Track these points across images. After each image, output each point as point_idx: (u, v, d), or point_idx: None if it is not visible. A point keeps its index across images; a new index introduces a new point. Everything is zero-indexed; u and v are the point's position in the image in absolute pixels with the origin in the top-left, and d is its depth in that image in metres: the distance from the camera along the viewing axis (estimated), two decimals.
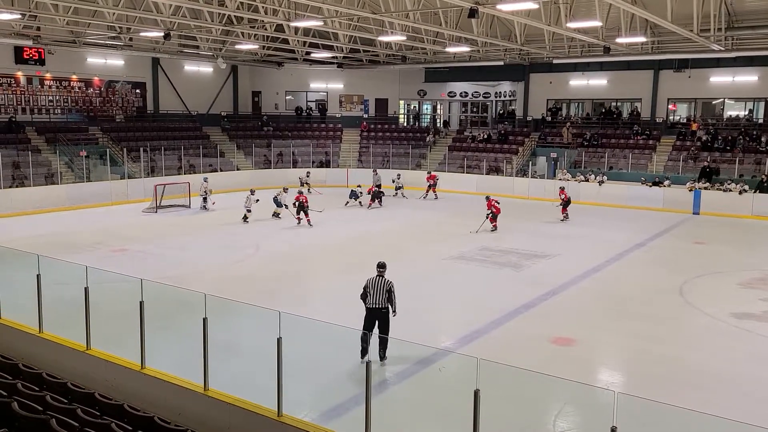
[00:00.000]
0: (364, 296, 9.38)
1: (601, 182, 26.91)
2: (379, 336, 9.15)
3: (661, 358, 10.02)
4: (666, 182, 25.86)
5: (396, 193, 27.64)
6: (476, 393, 5.80)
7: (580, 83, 32.38)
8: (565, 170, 28.65)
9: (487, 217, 19.87)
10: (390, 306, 9.38)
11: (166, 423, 6.53)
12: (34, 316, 9.30)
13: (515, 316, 11.87)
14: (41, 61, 27.53)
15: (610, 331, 11.32)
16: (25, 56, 26.97)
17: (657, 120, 30.57)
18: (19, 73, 27.57)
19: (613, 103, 32.44)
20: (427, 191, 27.67)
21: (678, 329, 11.52)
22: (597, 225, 21.65)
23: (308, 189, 25.94)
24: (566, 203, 22.32)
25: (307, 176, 28.79)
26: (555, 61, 28.80)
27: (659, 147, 29.05)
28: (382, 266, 9.58)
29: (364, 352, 8.82)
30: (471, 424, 5.89)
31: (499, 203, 20.33)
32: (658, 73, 30.14)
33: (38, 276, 9.28)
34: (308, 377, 8.67)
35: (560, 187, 23.07)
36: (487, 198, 20.50)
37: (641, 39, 23.51)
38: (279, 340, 6.80)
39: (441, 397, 8.55)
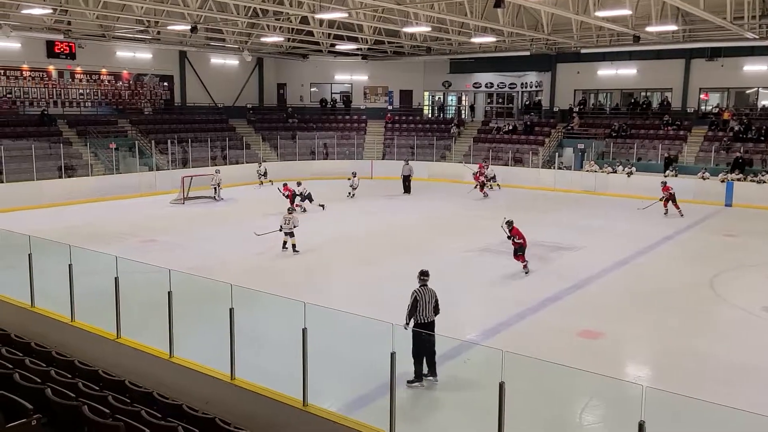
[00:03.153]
0: (413, 311, 8.36)
1: (629, 173, 26.51)
2: (428, 354, 8.28)
3: (690, 352, 9.87)
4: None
5: (491, 187, 26.86)
6: (501, 385, 5.79)
7: (609, 73, 31.85)
8: (592, 161, 28.28)
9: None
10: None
11: (194, 411, 6.63)
12: (66, 305, 9.51)
13: (541, 308, 11.78)
14: (72, 55, 27.97)
15: (639, 325, 11.18)
16: (57, 50, 27.41)
17: (688, 110, 29.98)
18: (51, 67, 28.06)
19: (643, 93, 31.88)
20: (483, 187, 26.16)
21: (708, 323, 11.33)
22: (625, 217, 21.34)
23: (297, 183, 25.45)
24: (670, 198, 21.14)
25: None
26: (583, 51, 28.38)
27: (690, 137, 28.49)
28: (425, 274, 8.62)
29: (420, 376, 8.19)
30: (496, 416, 5.88)
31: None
32: (690, 62, 29.50)
33: (70, 266, 9.49)
34: (333, 368, 8.71)
35: (662, 182, 21.83)
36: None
37: (672, 27, 23.05)
38: (304, 331, 6.87)
39: (466, 389, 8.54)
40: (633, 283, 13.69)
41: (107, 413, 5.57)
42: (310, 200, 21.84)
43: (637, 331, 10.95)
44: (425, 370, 8.28)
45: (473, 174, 26.58)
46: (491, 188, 26.75)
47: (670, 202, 21.26)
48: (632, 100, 31.86)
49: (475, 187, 25.21)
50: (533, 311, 11.61)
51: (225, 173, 25.41)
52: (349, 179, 24.89)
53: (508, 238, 14.11)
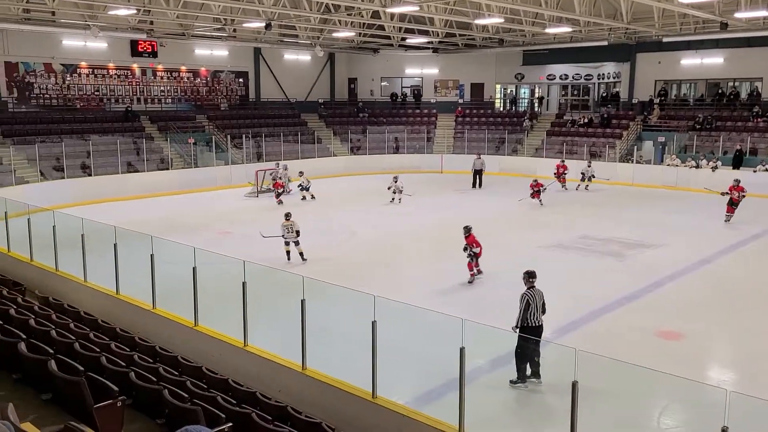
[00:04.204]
0: (525, 315, 8.11)
1: (714, 168, 25.22)
2: (534, 357, 8.13)
3: None
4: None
5: (582, 185, 25.34)
6: (574, 385, 5.64)
7: (693, 62, 30.33)
8: (674, 155, 27.09)
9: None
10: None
11: (267, 399, 6.81)
12: (148, 293, 9.94)
13: (617, 307, 11.41)
14: (154, 54, 29.19)
15: (722, 327, 10.65)
16: (140, 49, 28.68)
17: None
18: (135, 66, 29.38)
19: (730, 83, 30.23)
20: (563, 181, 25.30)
21: None
22: (709, 214, 20.31)
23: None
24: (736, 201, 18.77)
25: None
26: (665, 40, 27.15)
27: None
28: (532, 275, 8.37)
29: (523, 377, 8.07)
30: (568, 416, 5.74)
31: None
32: None
33: (152, 256, 9.91)
34: (401, 361, 8.74)
35: (736, 181, 19.09)
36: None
37: (763, 13, 21.70)
38: (374, 324, 6.90)
39: (537, 387, 8.37)
40: (716, 283, 13.05)
41: (186, 398, 5.80)
42: (307, 190, 22.74)
43: (720, 333, 10.44)
44: (528, 371, 8.15)
45: (554, 174, 25.23)
46: (586, 188, 25.19)
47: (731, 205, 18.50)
48: (718, 91, 30.24)
49: (534, 195, 21.69)
50: (608, 309, 11.26)
51: (297, 167, 25.84)
52: (389, 187, 22.18)
53: (464, 249, 12.89)
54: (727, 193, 18.97)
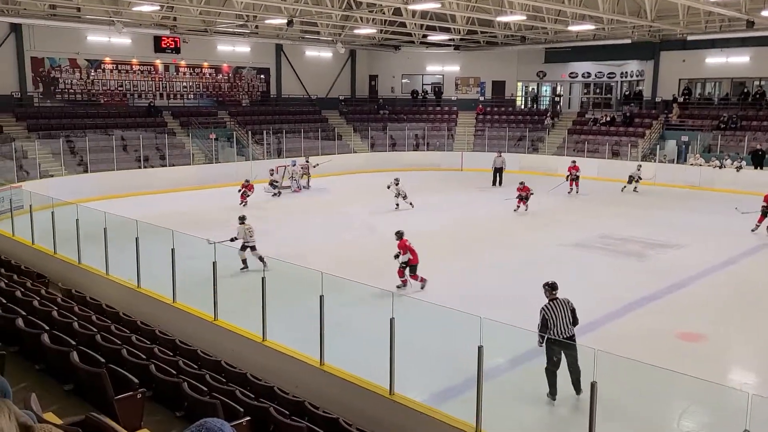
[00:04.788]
0: (543, 329, 7.70)
1: (739, 168, 24.82)
2: (570, 372, 7.60)
3: None
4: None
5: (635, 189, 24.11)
6: (593, 385, 5.60)
7: (718, 61, 29.85)
8: (698, 155, 26.70)
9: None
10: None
11: (285, 393, 6.85)
12: (169, 286, 10.04)
13: (637, 307, 11.29)
14: (177, 50, 29.46)
15: (745, 329, 10.49)
16: (163, 45, 28.96)
17: None
18: (158, 61, 29.67)
19: (756, 82, 29.70)
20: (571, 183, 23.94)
21: None
22: (733, 214, 20.01)
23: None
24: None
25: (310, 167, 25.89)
26: (689, 38, 26.74)
27: None
28: (553, 287, 7.88)
29: (553, 392, 7.69)
30: (587, 416, 5.70)
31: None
32: None
33: (172, 250, 10.01)
34: (419, 358, 8.73)
35: None
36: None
37: None
38: (392, 321, 6.91)
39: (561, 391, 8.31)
40: (739, 285, 12.85)
41: (205, 391, 5.85)
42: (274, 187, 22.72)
43: (743, 336, 10.28)
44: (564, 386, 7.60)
45: (568, 176, 23.73)
46: (635, 190, 23.93)
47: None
48: (744, 90, 29.75)
49: (519, 201, 19.88)
50: (629, 309, 11.15)
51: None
52: (389, 187, 20.79)
53: (396, 257, 11.89)
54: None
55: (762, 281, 13.08)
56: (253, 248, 13.08)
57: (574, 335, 7.70)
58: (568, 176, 23.90)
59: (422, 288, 12.00)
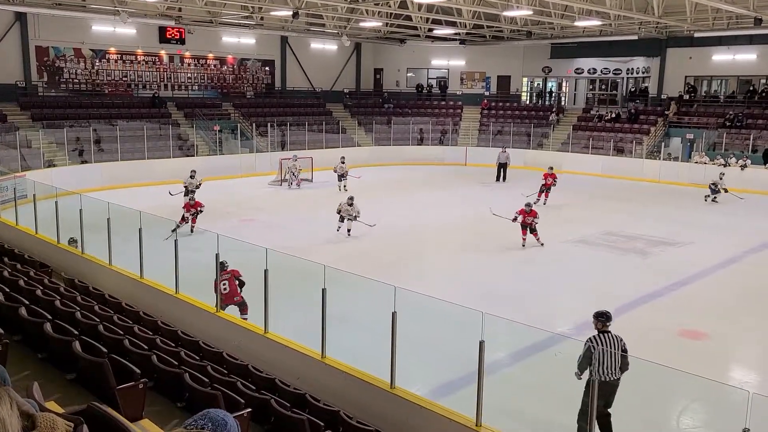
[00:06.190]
0: (585, 362, 6.53)
1: (743, 166, 24.74)
2: (597, 417, 6.34)
3: None
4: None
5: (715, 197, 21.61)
6: (592, 383, 5.60)
7: (725, 58, 29.70)
8: (702, 153, 26.61)
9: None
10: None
11: (286, 385, 6.87)
12: (172, 278, 10.06)
13: (639, 305, 11.28)
14: (182, 41, 29.42)
15: (747, 327, 10.48)
16: (168, 36, 28.92)
17: None
18: (163, 52, 29.64)
19: (763, 80, 29.55)
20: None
21: None
22: (737, 213, 19.97)
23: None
24: None
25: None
26: (696, 35, 26.62)
27: None
28: (607, 318, 6.71)
29: None
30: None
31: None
32: None
33: (176, 241, 10.02)
34: (421, 353, 8.75)
35: None
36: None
37: None
38: (394, 314, 6.91)
39: (555, 383, 8.33)
40: (742, 283, 12.83)
41: (206, 382, 5.87)
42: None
43: (745, 334, 10.27)
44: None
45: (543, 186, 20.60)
46: (714, 200, 21.44)
47: None
48: (750, 88, 29.62)
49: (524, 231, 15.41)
50: (631, 307, 11.14)
51: (321, 157, 25.92)
52: (335, 169, 20.89)
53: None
54: None
55: (765, 280, 13.06)
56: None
57: (618, 381, 6.51)
58: (545, 186, 20.55)
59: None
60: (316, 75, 35.05)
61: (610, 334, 6.60)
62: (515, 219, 15.24)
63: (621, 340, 6.62)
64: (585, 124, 31.82)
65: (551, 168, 21.01)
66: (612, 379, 6.44)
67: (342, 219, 15.85)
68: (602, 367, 6.41)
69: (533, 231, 15.06)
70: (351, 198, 15.98)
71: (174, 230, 12.48)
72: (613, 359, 6.45)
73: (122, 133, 24.55)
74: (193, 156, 26.19)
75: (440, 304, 8.19)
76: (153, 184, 22.90)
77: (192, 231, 15.69)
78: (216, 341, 8.42)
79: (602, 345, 6.47)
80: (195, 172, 19.03)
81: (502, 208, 19.98)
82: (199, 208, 16.12)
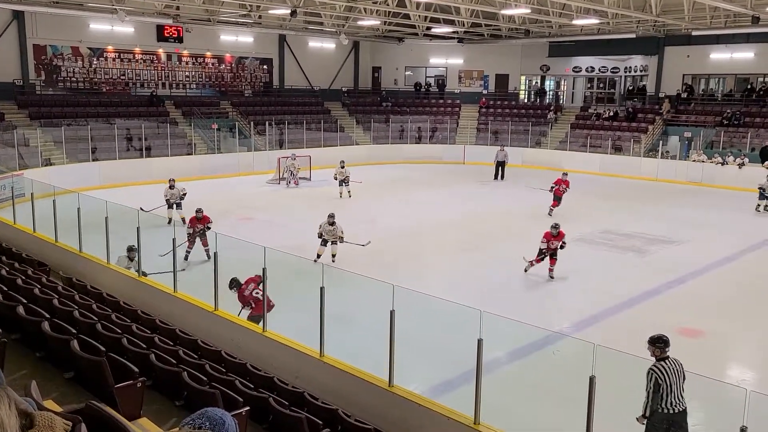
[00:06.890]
0: (656, 397, 5.98)
1: (741, 165, 24.77)
2: None
3: None
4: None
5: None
6: (591, 379, 5.61)
7: (723, 57, 29.73)
8: (700, 151, 26.65)
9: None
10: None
11: (284, 384, 6.87)
12: (170, 276, 10.05)
13: (637, 303, 11.30)
14: (179, 39, 29.36)
15: (745, 325, 10.50)
16: (166, 34, 28.85)
17: None
18: (160, 50, 29.59)
19: (760, 79, 29.59)
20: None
21: None
22: (735, 211, 19.99)
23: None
24: None
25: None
26: (694, 33, 26.64)
27: None
28: (665, 342, 6.13)
29: None
30: (584, 410, 5.71)
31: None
32: None
33: (174, 240, 10.02)
34: (419, 351, 8.75)
35: None
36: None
37: None
38: (392, 313, 6.91)
39: (554, 381, 8.35)
40: (739, 281, 12.86)
41: (204, 381, 5.87)
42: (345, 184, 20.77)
43: (742, 332, 10.30)
44: None
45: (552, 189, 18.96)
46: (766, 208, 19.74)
47: None
48: (748, 86, 29.66)
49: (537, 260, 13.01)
50: (629, 305, 11.16)
51: (319, 155, 25.90)
52: (335, 176, 20.50)
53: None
54: None
55: (763, 278, 13.08)
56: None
57: (686, 410, 6.00)
58: (553, 190, 18.93)
59: None
60: (314, 73, 35.01)
61: (671, 360, 6.06)
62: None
63: (679, 364, 6.11)
64: (583, 123, 31.84)
65: (565, 174, 19.41)
66: (681, 409, 5.96)
67: (325, 243, 13.43)
68: (672, 397, 5.92)
69: (553, 257, 12.69)
70: (331, 216, 13.51)
71: (185, 257, 12.11)
72: (680, 386, 5.96)
73: (120, 132, 24.50)
74: (192, 154, 26.17)
75: (438, 302, 8.21)
76: (151, 183, 22.86)
77: (186, 258, 12.71)
78: (214, 339, 8.42)
79: (668, 374, 5.95)
80: (174, 180, 17.19)
81: (502, 207, 19.97)
82: (207, 224, 13.20)
